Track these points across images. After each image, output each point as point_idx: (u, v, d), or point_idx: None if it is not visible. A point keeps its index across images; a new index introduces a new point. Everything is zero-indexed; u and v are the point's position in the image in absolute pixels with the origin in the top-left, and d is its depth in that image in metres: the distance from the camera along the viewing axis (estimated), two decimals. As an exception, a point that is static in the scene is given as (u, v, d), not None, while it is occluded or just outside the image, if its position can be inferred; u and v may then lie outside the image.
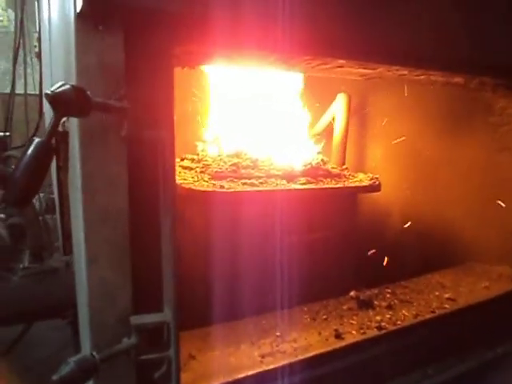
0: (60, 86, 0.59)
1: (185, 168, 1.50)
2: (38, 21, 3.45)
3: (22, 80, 4.41)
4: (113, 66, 0.70)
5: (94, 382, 0.77)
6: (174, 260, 0.79)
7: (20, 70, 4.48)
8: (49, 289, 1.45)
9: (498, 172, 1.41)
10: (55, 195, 1.95)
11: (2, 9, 4.85)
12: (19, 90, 4.73)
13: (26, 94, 4.10)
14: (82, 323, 0.85)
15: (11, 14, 4.93)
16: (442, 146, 1.58)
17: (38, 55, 3.86)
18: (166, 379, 0.81)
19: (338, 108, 1.88)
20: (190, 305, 1.09)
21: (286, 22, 0.76)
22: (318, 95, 1.91)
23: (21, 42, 4.53)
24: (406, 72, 1.01)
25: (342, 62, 0.89)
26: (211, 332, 1.01)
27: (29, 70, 4.51)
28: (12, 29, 5.20)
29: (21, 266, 1.61)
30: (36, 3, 3.22)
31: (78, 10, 0.65)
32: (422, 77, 1.07)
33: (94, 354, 0.71)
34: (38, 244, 1.69)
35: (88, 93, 0.61)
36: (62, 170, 1.90)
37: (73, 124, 0.73)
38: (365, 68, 0.95)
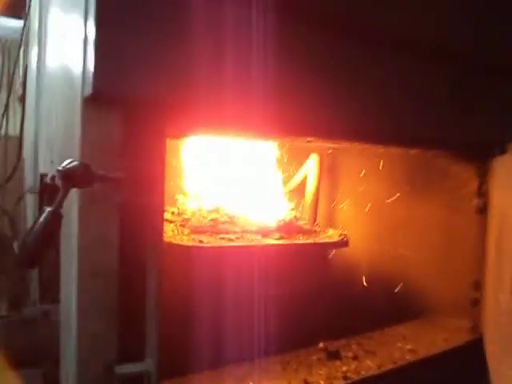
0: (69, 163, 0.69)
1: (165, 220, 1.59)
2: (22, 68, 3.59)
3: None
4: (112, 141, 0.80)
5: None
6: (157, 314, 0.87)
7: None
8: (26, 338, 1.47)
9: (451, 231, 1.55)
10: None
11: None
12: None
13: (6, 137, 4.15)
14: (66, 372, 0.90)
15: (-3, 58, 5.08)
16: (403, 206, 1.73)
17: (22, 99, 3.97)
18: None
19: (311, 167, 2.03)
20: (169, 354, 1.16)
21: (259, 106, 0.89)
22: (292, 155, 2.06)
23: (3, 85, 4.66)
24: (367, 146, 1.15)
25: (310, 139, 1.03)
26: (190, 381, 1.07)
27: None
28: (-4, 73, 5.32)
29: (-2, 314, 1.64)
30: (21, 52, 3.38)
31: (85, 95, 0.77)
32: (382, 150, 1.22)
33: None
34: (15, 293, 1.72)
35: (89, 169, 0.72)
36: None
37: (72, 191, 0.82)
38: (331, 143, 1.09)
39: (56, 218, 0.70)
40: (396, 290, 1.65)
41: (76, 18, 0.88)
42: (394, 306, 1.68)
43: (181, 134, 0.91)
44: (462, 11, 1.20)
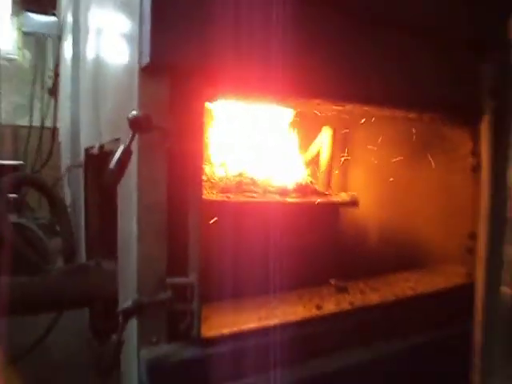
0: (134, 113, 0.92)
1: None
2: (55, 60, 3.87)
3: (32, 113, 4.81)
4: (162, 101, 1.04)
5: (139, 323, 1.07)
6: (198, 240, 1.10)
7: (29, 103, 4.90)
8: (81, 284, 1.73)
9: (449, 189, 1.75)
10: (82, 211, 2.28)
11: (19, 48, 5.31)
12: (26, 122, 5.13)
13: (42, 127, 4.48)
14: (128, 280, 1.14)
15: (26, 52, 5.39)
16: (407, 169, 1.93)
17: (54, 92, 4.27)
18: (189, 328, 1.11)
19: (324, 139, 2.24)
20: (205, 284, 1.40)
21: (279, 71, 1.11)
22: (309, 128, 2.27)
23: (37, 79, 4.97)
24: (367, 109, 1.36)
25: (318, 101, 1.24)
26: (222, 305, 1.31)
27: (38, 104, 4.92)
28: (26, 66, 5.66)
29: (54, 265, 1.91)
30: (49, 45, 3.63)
31: (143, 65, 1.00)
32: (388, 119, 1.42)
33: (143, 298, 1.01)
34: (69, 250, 1.99)
35: (150, 117, 0.95)
36: (89, 189, 2.24)
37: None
38: (336, 105, 1.30)
39: (127, 153, 0.93)
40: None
41: (130, 9, 1.11)
42: (400, 256, 1.90)
43: (215, 96, 1.13)
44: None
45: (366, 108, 1.36)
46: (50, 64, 4.74)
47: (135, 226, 1.06)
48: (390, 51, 1.34)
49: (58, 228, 2.02)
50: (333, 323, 1.28)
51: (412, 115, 1.47)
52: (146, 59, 0.97)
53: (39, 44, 4.78)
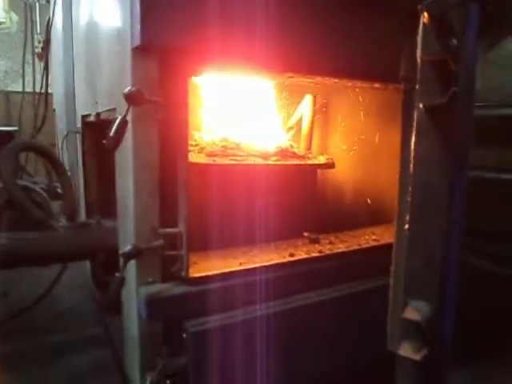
0: (129, 89, 1.10)
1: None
2: (45, 25, 3.92)
3: (21, 79, 4.85)
4: (152, 77, 1.21)
5: (137, 266, 1.28)
6: (186, 194, 1.29)
7: (20, 69, 4.96)
8: (86, 239, 1.94)
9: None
10: (80, 173, 2.45)
11: (5, 11, 5.29)
12: (17, 88, 5.18)
13: (35, 93, 4.57)
14: (127, 231, 1.34)
15: (13, 16, 5.38)
16: (381, 133, 2.11)
17: (44, 57, 4.33)
18: (179, 270, 1.32)
19: (306, 106, 2.41)
20: (194, 236, 1.61)
21: (256, 47, 1.28)
22: (292, 96, 2.43)
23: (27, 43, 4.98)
24: (336, 80, 1.53)
25: (291, 74, 1.41)
26: (209, 253, 1.52)
27: (28, 70, 4.97)
28: (14, 30, 5.64)
29: (59, 223, 2.11)
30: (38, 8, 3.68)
31: (134, 46, 1.17)
32: (350, 84, 1.59)
33: (141, 244, 1.22)
34: (70, 210, 2.18)
35: (143, 92, 1.12)
36: (87, 153, 2.41)
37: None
38: (307, 78, 1.48)
39: (124, 122, 1.11)
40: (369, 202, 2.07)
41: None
42: (370, 214, 2.11)
43: (199, 71, 1.30)
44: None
45: (334, 80, 1.53)
46: (39, 28, 4.78)
47: (132, 183, 1.26)
48: (355, 28, 1.49)
49: (59, 190, 2.20)
50: (303, 268, 1.50)
51: (377, 85, 1.64)
52: (137, 42, 1.13)
53: (27, 7, 4.79)
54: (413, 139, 0.78)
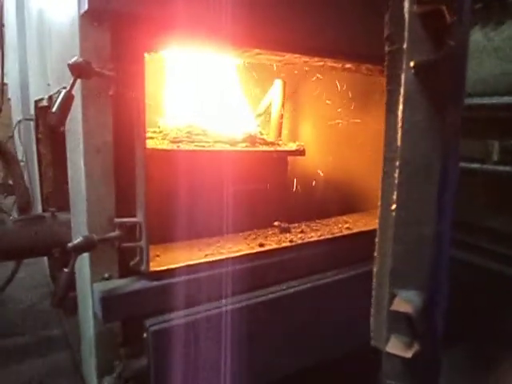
0: (75, 59, 0.97)
1: (149, 138, 1.89)
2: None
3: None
4: (103, 49, 1.08)
5: (91, 260, 1.15)
6: (144, 183, 1.17)
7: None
8: (39, 233, 1.79)
9: (381, 138, 1.87)
10: (35, 164, 2.28)
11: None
12: None
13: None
14: (80, 223, 1.21)
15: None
16: (352, 119, 2.04)
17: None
18: (139, 264, 1.20)
19: (275, 92, 2.31)
20: (157, 227, 1.49)
21: (219, 22, 1.17)
22: (262, 81, 2.33)
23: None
24: (307, 59, 1.44)
25: (258, 50, 1.31)
26: (172, 245, 1.40)
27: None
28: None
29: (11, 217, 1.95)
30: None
31: (82, 12, 1.03)
32: (321, 63, 1.50)
33: (94, 235, 1.09)
34: (24, 200, 2.02)
35: (90, 63, 1.00)
36: (41, 141, 2.25)
37: (76, 87, 1.10)
38: (276, 55, 1.37)
39: (69, 97, 0.98)
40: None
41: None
42: (343, 202, 2.04)
43: (157, 45, 1.18)
44: None
45: (304, 58, 1.43)
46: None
47: (83, 169, 1.13)
48: (326, 3, 1.40)
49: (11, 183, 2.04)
50: (273, 258, 1.40)
51: (349, 65, 1.55)
52: (85, 6, 1.00)
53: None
54: (400, 107, 0.69)
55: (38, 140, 2.20)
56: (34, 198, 2.36)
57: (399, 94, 0.69)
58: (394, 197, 0.70)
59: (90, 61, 1.04)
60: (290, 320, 1.39)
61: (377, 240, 0.77)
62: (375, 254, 0.78)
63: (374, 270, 0.79)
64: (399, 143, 0.69)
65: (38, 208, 2.30)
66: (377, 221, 1.82)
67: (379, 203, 0.76)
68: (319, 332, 1.47)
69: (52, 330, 2.11)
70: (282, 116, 2.33)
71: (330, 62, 1.50)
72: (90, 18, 1.05)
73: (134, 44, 1.10)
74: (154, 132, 1.95)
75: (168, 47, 1.22)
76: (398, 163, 0.70)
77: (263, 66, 1.93)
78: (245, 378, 1.27)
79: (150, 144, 1.76)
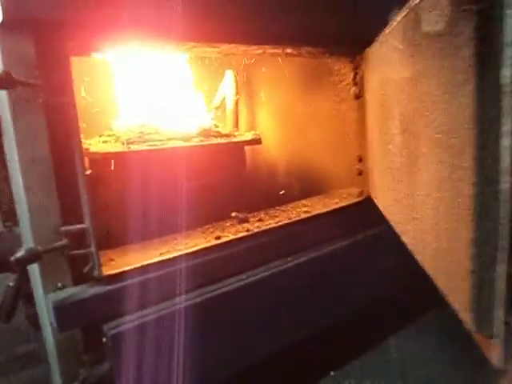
0: (-7, 71, 0.95)
1: (103, 142, 1.87)
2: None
3: None
4: (27, 57, 1.06)
5: (41, 271, 1.14)
6: (86, 186, 1.16)
7: None
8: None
9: (338, 118, 1.89)
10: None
11: None
12: None
13: None
14: (26, 234, 1.19)
15: None
16: (305, 103, 2.05)
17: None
18: (92, 270, 1.20)
19: (228, 83, 2.30)
20: (110, 232, 1.48)
21: (148, 15, 1.15)
22: (213, 73, 2.32)
23: None
24: (244, 48, 1.43)
25: (193, 44, 1.30)
26: (129, 247, 1.40)
27: None
28: None
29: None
30: None
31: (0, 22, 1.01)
32: (260, 51, 1.50)
33: (38, 247, 1.08)
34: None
35: (12, 73, 0.98)
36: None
37: (3, 98, 1.08)
38: (212, 47, 1.37)
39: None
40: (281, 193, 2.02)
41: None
42: (302, 187, 2.06)
43: (84, 49, 1.16)
44: None
45: (242, 47, 1.43)
46: None
47: (21, 180, 1.11)
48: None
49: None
50: (230, 249, 1.41)
51: (289, 50, 1.56)
52: (1, 17, 0.98)
53: None
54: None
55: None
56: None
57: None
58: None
59: (13, 70, 1.02)
60: (249, 310, 1.41)
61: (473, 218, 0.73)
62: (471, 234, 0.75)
63: (472, 252, 0.77)
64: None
65: None
66: (336, 201, 1.85)
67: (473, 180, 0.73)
68: (280, 317, 1.49)
69: (26, 346, 2.09)
70: (236, 107, 2.33)
71: (269, 49, 1.50)
72: (9, 28, 1.02)
73: (57, 49, 1.08)
74: (108, 135, 1.93)
75: (97, 49, 1.21)
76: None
77: (215, 57, 1.92)
78: (204, 371, 1.28)
79: (102, 148, 1.75)
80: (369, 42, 1.65)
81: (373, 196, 1.79)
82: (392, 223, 1.56)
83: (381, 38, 1.49)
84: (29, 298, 1.83)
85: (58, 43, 1.08)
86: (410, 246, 1.37)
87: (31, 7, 1.02)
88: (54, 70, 1.08)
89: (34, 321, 1.80)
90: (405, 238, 1.41)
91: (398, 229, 1.50)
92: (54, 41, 1.08)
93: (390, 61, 1.42)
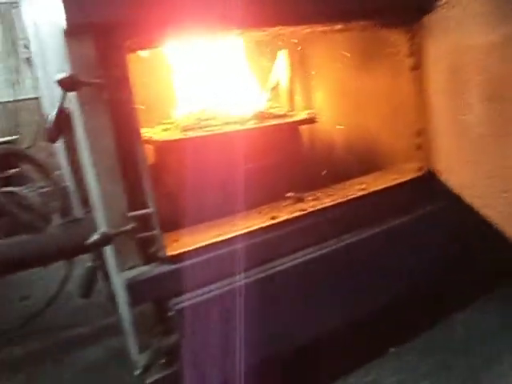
0: (61, 75, 1.05)
1: (164, 130, 1.98)
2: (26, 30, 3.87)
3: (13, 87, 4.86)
4: (89, 59, 1.16)
5: (114, 253, 1.26)
6: (148, 173, 1.26)
7: (11, 77, 4.95)
8: (79, 232, 1.95)
9: (395, 92, 1.84)
10: (71, 171, 2.45)
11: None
12: (8, 97, 5.17)
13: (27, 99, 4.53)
14: (100, 219, 1.32)
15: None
16: (360, 78, 2.02)
17: (29, 61, 4.30)
18: (157, 251, 1.31)
19: (281, 63, 2.32)
20: (173, 215, 1.59)
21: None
22: (268, 53, 2.34)
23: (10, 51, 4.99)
24: (292, 29, 1.45)
25: (239, 31, 1.33)
26: (189, 230, 1.49)
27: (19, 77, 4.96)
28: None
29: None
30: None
31: (64, 28, 1.11)
32: (309, 30, 1.51)
33: (109, 230, 1.20)
34: (65, 205, 2.20)
35: (77, 76, 1.08)
36: (72, 149, 2.40)
37: (73, 99, 1.19)
38: (262, 31, 1.40)
39: (61, 112, 1.08)
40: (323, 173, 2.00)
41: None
42: (360, 163, 2.05)
43: (140, 47, 1.25)
44: None
45: (290, 29, 1.44)
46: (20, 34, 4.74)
47: (92, 171, 1.23)
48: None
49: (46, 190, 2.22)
50: (286, 229, 1.46)
51: (339, 26, 1.55)
52: (64, 23, 1.08)
53: (5, 14, 4.74)
54: None
55: (68, 148, 2.36)
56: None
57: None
58: None
59: (79, 72, 1.12)
60: (306, 288, 1.46)
61: None
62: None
63: None
64: None
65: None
66: (394, 176, 1.82)
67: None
68: (340, 295, 1.52)
69: (108, 320, 2.30)
70: (292, 85, 2.34)
71: (318, 27, 1.50)
72: (73, 34, 1.12)
73: (116, 49, 1.17)
74: (169, 123, 2.03)
75: (152, 46, 1.29)
76: None
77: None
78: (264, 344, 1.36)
79: (162, 136, 1.86)
80: (426, 9, 1.59)
81: (438, 170, 1.75)
82: (468, 197, 1.51)
83: (448, 1, 1.43)
84: (108, 278, 2.02)
85: (116, 43, 1.17)
86: (496, 220, 1.33)
87: (90, 13, 1.11)
88: (113, 69, 1.17)
89: (112, 297, 1.98)
90: (489, 212, 1.37)
91: (477, 203, 1.45)
92: (112, 41, 1.16)
93: (465, 26, 1.36)
